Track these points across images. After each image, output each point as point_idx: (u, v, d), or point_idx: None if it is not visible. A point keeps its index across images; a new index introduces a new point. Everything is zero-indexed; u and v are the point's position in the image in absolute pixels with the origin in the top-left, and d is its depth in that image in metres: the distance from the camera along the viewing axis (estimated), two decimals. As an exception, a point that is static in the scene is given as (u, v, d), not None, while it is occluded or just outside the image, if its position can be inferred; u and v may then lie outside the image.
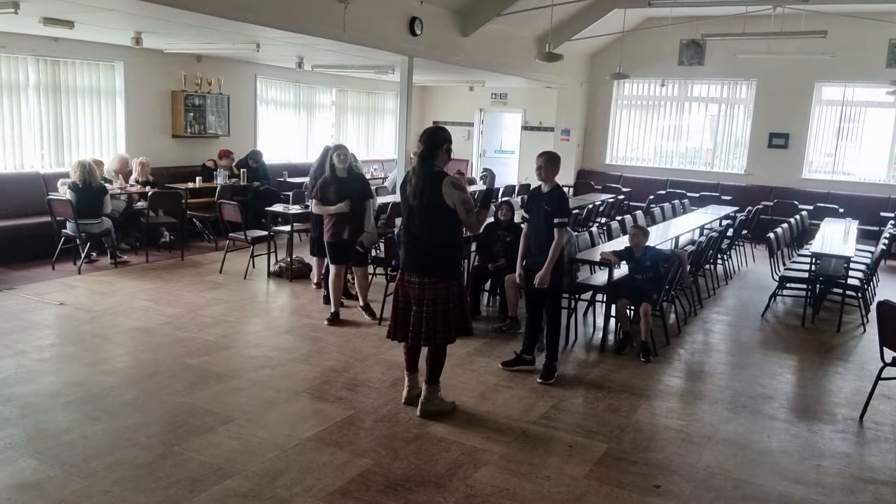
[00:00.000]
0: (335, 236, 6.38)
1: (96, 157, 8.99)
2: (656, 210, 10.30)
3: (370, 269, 7.44)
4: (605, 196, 11.77)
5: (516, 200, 10.70)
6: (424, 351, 4.59)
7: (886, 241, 8.79)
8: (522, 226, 5.63)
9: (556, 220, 5.06)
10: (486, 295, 7.31)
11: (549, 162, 5.17)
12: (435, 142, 4.37)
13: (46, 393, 4.70)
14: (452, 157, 4.61)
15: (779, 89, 12.98)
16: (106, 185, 8.43)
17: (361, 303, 6.75)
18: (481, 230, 5.46)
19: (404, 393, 4.75)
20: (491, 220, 6.93)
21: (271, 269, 8.22)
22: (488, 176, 4.63)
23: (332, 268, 6.54)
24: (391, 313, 4.59)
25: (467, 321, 4.58)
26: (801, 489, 3.91)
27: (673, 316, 7.13)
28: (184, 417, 4.40)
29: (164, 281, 7.81)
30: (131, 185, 9.18)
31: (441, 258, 4.38)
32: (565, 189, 5.64)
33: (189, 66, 10.63)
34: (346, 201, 6.28)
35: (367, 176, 8.88)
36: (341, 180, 6.36)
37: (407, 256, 4.46)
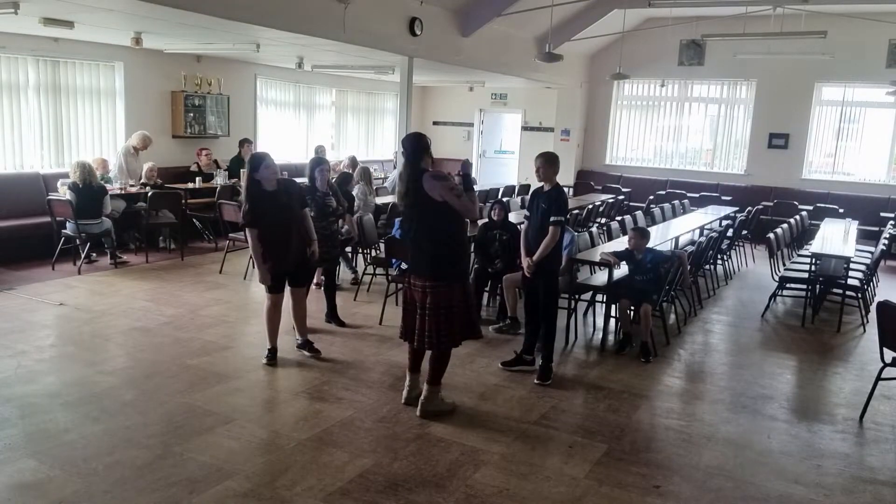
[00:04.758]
0: (276, 266, 5.26)
1: (97, 156, 8.99)
2: (656, 210, 10.29)
3: (370, 269, 7.46)
4: (604, 196, 11.78)
5: (516, 200, 10.70)
6: (428, 353, 4.59)
7: (886, 242, 8.79)
8: (520, 226, 5.64)
9: (551, 219, 5.13)
10: (485, 296, 7.31)
11: (546, 163, 5.23)
12: (420, 146, 4.45)
13: (46, 393, 4.70)
14: (452, 157, 4.66)
15: (779, 89, 12.98)
16: (105, 185, 8.43)
17: (299, 338, 5.62)
18: (476, 216, 5.58)
19: (404, 393, 4.76)
20: (485, 220, 6.95)
21: (271, 269, 8.20)
22: (463, 164, 4.85)
23: (269, 298, 5.39)
24: (401, 315, 4.64)
25: (474, 324, 4.58)
26: (801, 489, 3.90)
27: (673, 316, 7.13)
28: (183, 418, 4.40)
29: (164, 281, 7.80)
30: (132, 186, 9.16)
31: (443, 261, 4.39)
32: (565, 189, 5.67)
33: (189, 66, 10.63)
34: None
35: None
36: (272, 195, 5.13)
37: (412, 260, 4.53)
